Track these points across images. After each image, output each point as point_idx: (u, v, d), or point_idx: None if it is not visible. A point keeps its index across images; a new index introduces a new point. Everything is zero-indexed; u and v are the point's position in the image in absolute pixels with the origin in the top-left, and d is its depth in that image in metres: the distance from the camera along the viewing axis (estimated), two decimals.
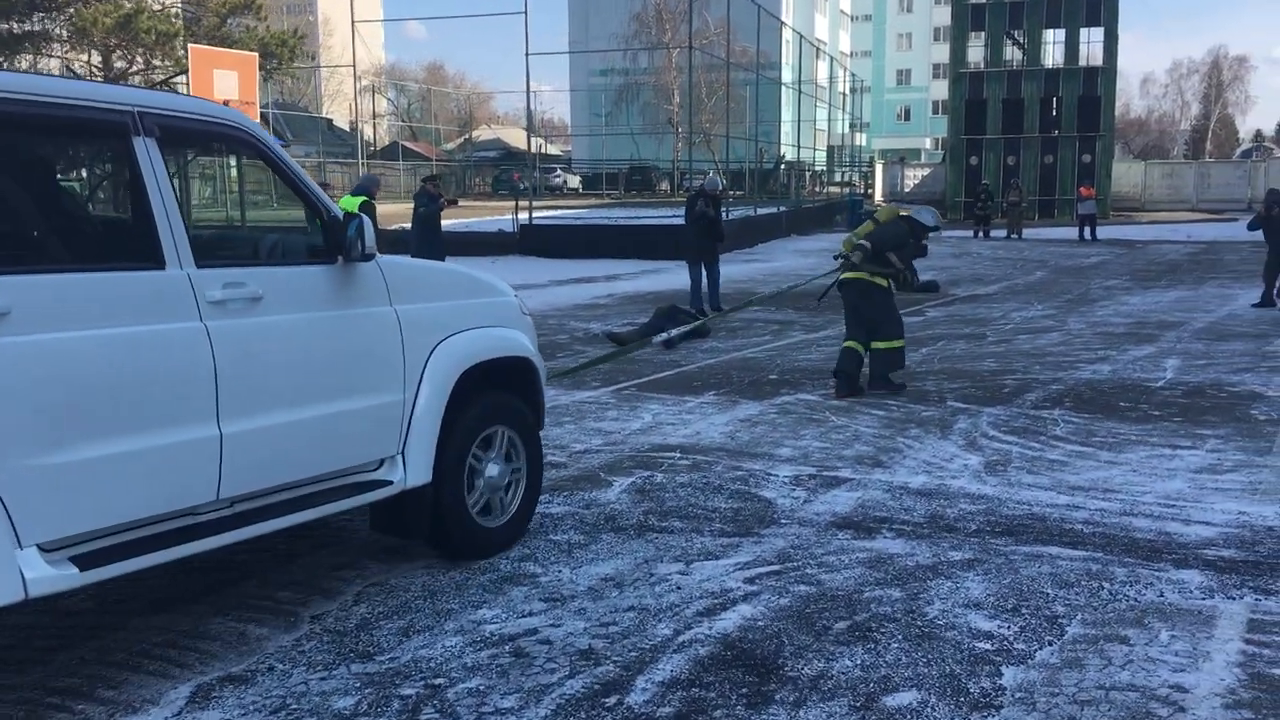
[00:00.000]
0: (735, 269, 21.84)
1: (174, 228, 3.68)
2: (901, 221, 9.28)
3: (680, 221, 25.11)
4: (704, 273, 15.16)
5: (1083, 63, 46.33)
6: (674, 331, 11.85)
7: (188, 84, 19.81)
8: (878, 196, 51.60)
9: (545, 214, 31.98)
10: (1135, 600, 4.39)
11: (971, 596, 4.44)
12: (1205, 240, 30.04)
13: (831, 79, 56.74)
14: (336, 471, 4.25)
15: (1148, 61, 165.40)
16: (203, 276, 3.74)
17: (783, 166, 46.47)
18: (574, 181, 63.02)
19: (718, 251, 15.40)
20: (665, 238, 25.92)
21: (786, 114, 46.44)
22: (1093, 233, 31.46)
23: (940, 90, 70.58)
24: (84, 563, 3.33)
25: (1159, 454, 6.85)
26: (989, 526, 5.38)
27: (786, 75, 44.03)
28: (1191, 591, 4.48)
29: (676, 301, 14.58)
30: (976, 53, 49.85)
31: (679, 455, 6.86)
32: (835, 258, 9.55)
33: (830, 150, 63.28)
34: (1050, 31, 47.95)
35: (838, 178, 58.20)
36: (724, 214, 28.63)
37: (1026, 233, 33.85)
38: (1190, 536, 5.20)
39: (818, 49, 49.92)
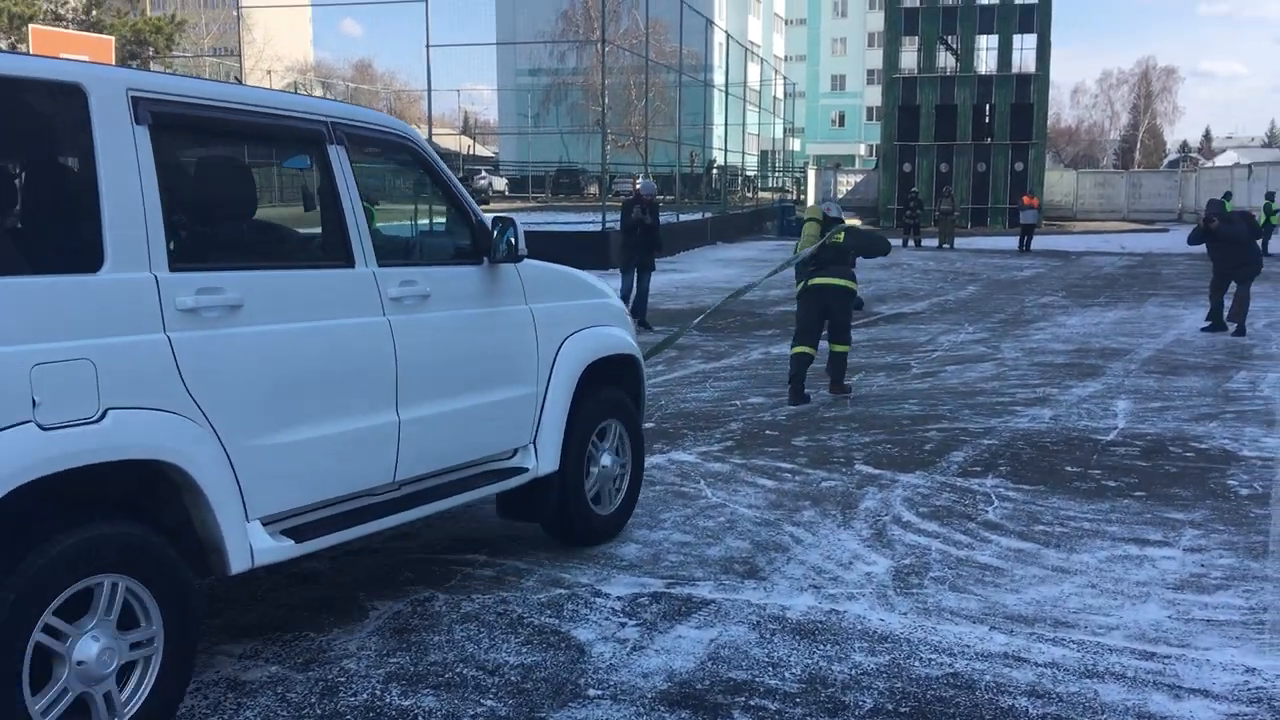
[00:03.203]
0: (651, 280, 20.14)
1: (360, 229, 4.01)
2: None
3: (597, 228, 23.22)
4: (635, 283, 13.68)
5: (1016, 69, 45.48)
6: None
7: None
8: (809, 202, 50.34)
9: None
10: None
11: None
12: (1140, 252, 28.97)
13: (764, 82, 55.36)
14: (481, 459, 4.59)
15: (1078, 72, 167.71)
16: (384, 275, 4.06)
17: (714, 171, 44.92)
18: (500, 184, 60.85)
19: (653, 261, 14.03)
20: (584, 245, 24.07)
21: (718, 117, 44.93)
22: (1028, 243, 30.32)
23: (875, 96, 69.65)
24: (298, 535, 3.63)
25: (1123, 553, 5.19)
26: (892, 702, 3.64)
27: (719, 78, 42.48)
28: None
29: None
30: (910, 58, 48.81)
31: (484, 558, 5.04)
32: (804, 264, 9.21)
33: (763, 155, 61.98)
34: (983, 38, 47.03)
35: (771, 183, 56.85)
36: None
37: (959, 242, 32.59)
38: None
39: (748, 51, 48.41)
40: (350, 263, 3.96)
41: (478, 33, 76.83)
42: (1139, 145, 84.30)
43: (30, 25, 18.54)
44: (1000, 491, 6.24)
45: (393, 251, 4.43)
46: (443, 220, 5.13)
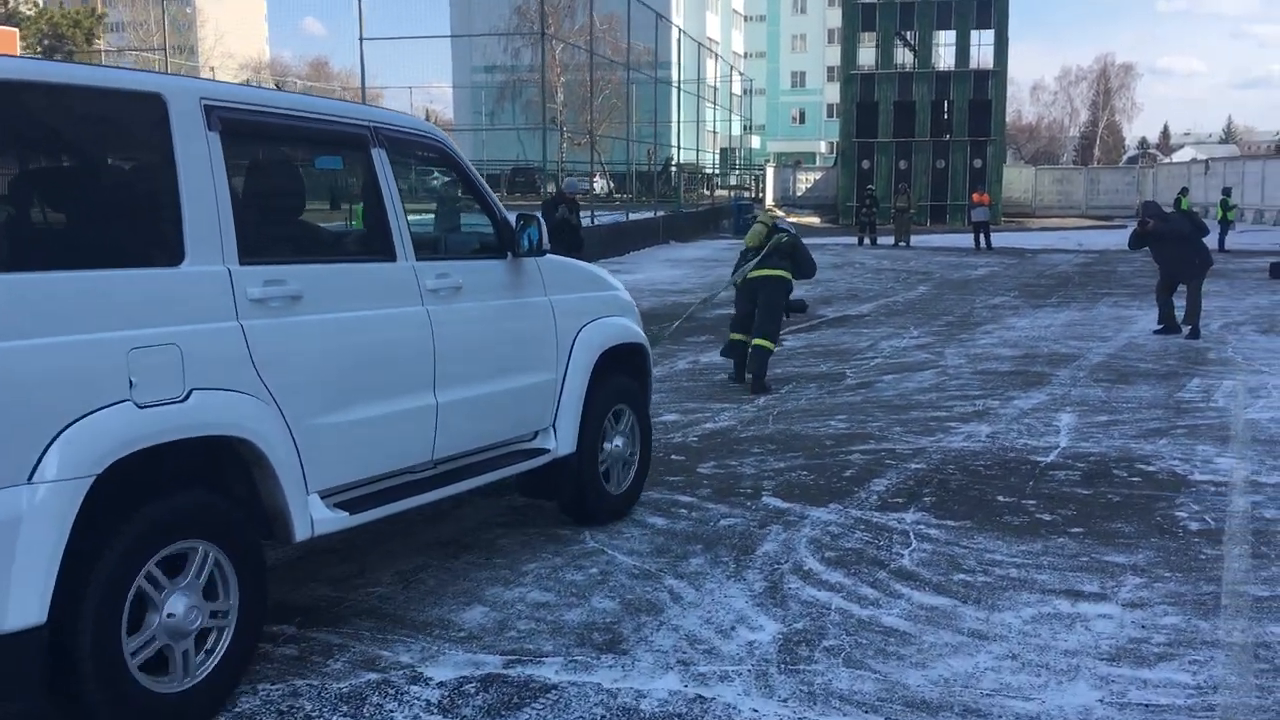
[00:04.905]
0: None
1: (401, 226, 4.33)
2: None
3: None
4: None
5: (974, 65, 45.07)
6: None
7: None
8: (768, 200, 49.72)
9: None
10: None
11: None
12: (1096, 249, 28.52)
13: (720, 79, 54.61)
14: (507, 440, 4.91)
15: (1038, 68, 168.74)
16: (422, 268, 4.38)
17: (673, 169, 44.13)
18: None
19: None
20: None
21: (676, 114, 44.14)
22: (987, 240, 29.70)
23: (835, 93, 69.05)
24: (351, 508, 3.95)
25: (1052, 610, 4.44)
26: None
27: (677, 75, 41.68)
28: None
29: None
30: (868, 54, 48.34)
31: (292, 630, 4.20)
32: (746, 251, 10.02)
33: (723, 153, 61.32)
34: (941, 33, 46.68)
35: (732, 181, 56.18)
36: (591, 219, 26.33)
37: (917, 240, 32.03)
38: None
39: (700, 46, 47.61)
40: (392, 257, 4.27)
41: (436, 29, 75.49)
42: (1098, 141, 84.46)
43: None
44: (921, 529, 5.49)
45: (428, 246, 4.70)
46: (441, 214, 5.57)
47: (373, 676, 3.80)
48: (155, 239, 3.45)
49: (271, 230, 4.05)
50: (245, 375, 3.53)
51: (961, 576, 4.82)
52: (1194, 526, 5.54)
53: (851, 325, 14.22)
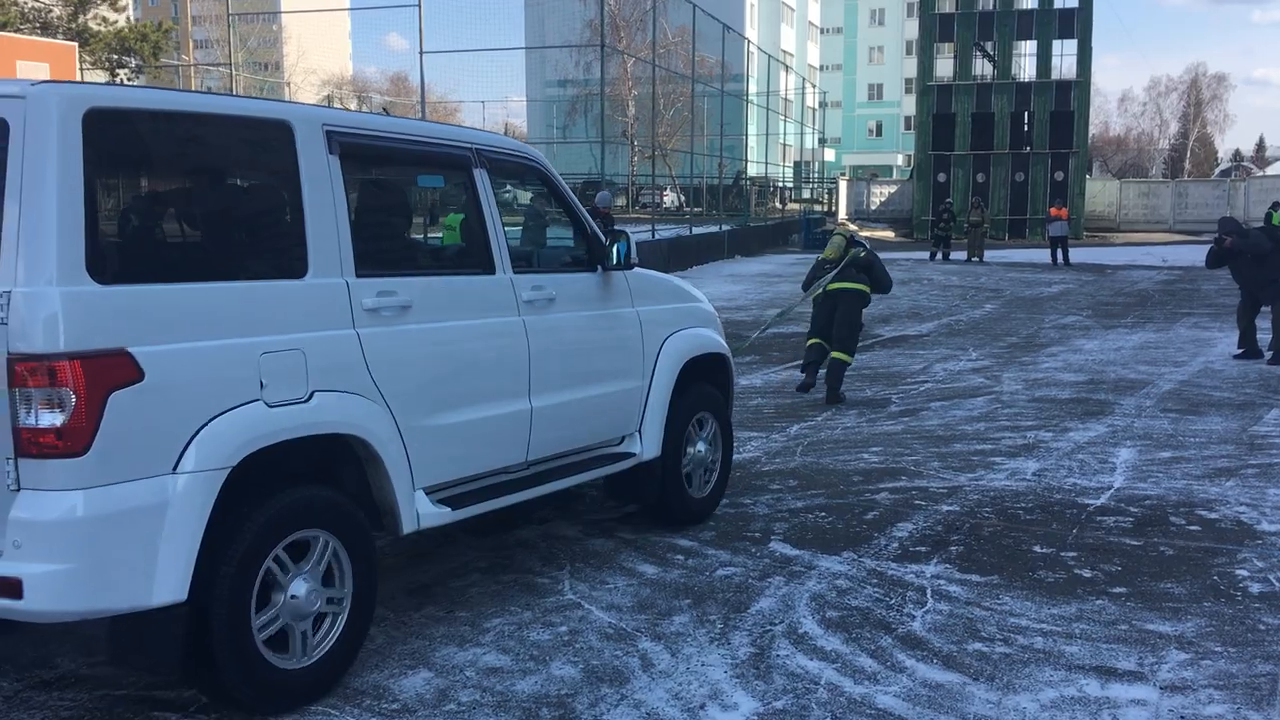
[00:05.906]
0: None
1: (500, 240, 4.58)
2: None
3: None
4: None
5: (1055, 76, 43.73)
6: None
7: None
8: (841, 214, 48.81)
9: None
10: None
11: None
12: (1181, 266, 27.17)
13: (794, 92, 53.90)
14: (594, 444, 5.16)
15: (1126, 79, 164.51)
16: (519, 280, 4.64)
17: (744, 182, 43.57)
18: (525, 197, 59.89)
19: None
20: None
21: (748, 128, 43.53)
22: (1065, 256, 28.57)
23: (913, 105, 67.91)
24: (453, 504, 4.22)
25: (1077, 692, 3.84)
26: None
27: (750, 88, 41.15)
28: None
29: None
30: (945, 65, 47.22)
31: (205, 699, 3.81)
32: (823, 262, 10.16)
33: (796, 166, 60.52)
34: (1022, 43, 45.42)
35: (805, 194, 55.39)
36: (652, 234, 25.94)
37: (992, 254, 31.00)
38: None
39: (771, 59, 46.98)
40: (491, 270, 4.54)
41: (513, 44, 75.96)
42: (1189, 154, 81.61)
43: None
44: (940, 585, 4.90)
45: (524, 259, 5.02)
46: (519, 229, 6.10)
47: None
48: (283, 254, 3.73)
49: (383, 245, 4.35)
50: (360, 379, 3.80)
51: (977, 646, 4.23)
52: (1255, 589, 4.86)
53: (908, 346, 13.54)
